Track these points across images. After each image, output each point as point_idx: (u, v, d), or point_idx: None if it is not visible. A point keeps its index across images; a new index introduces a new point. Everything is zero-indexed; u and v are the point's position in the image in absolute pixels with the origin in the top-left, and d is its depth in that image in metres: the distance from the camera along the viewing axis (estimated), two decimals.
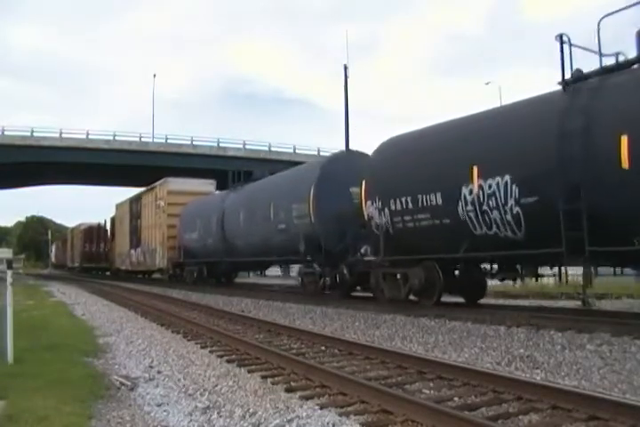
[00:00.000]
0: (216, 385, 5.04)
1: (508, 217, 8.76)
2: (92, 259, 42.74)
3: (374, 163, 12.19)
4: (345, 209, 13.27)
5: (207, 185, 25.48)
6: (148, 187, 27.55)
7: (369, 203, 11.79)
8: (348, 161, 14.32)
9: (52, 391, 4.68)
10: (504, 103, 11.01)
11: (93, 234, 43.58)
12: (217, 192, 23.24)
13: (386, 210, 11.14)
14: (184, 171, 36.60)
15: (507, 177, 8.74)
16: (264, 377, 5.25)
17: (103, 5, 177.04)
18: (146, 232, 27.27)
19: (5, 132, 41.36)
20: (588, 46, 9.39)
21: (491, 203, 9.00)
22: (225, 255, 19.33)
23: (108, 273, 41.96)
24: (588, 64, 8.54)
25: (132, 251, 29.87)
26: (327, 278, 13.59)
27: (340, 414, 3.95)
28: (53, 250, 67.52)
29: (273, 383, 5.01)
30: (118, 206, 34.84)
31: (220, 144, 45.09)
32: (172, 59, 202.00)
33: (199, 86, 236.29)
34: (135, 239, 29.32)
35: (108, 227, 42.02)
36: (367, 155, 13.62)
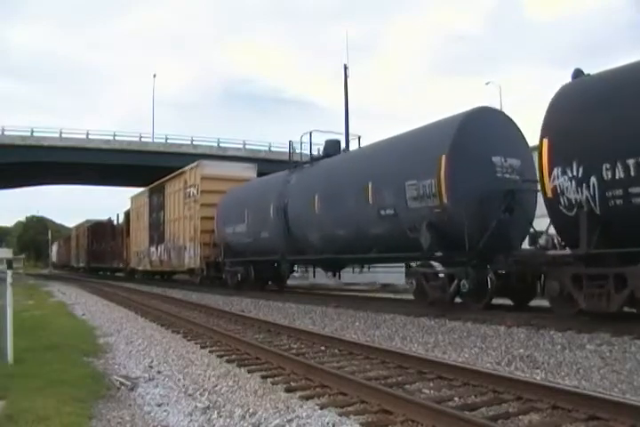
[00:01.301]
0: (216, 385, 5.04)
1: None
2: (101, 258, 38.85)
3: (564, 112, 8.47)
4: (488, 186, 9.86)
5: (248, 170, 21.49)
6: (174, 173, 23.32)
7: (556, 171, 8.23)
8: (486, 121, 10.56)
9: (52, 391, 4.68)
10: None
11: (102, 231, 39.30)
12: (274, 174, 17.57)
13: (592, 180, 7.69)
14: None
15: None
16: (264, 377, 5.26)
17: (103, 5, 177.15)
18: (171, 227, 23.18)
19: (5, 132, 41.32)
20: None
21: None
22: (288, 252, 15.36)
23: (118, 274, 37.54)
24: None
25: (153, 249, 25.71)
26: (464, 282, 9.77)
27: (340, 414, 3.95)
28: (55, 249, 65.65)
29: (273, 383, 5.01)
30: (134, 199, 30.74)
31: (220, 144, 45.07)
32: (171, 59, 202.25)
33: (199, 86, 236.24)
34: (156, 235, 25.21)
35: (121, 222, 37.06)
36: (505, 113, 10.95)
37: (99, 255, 39.43)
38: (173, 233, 22.86)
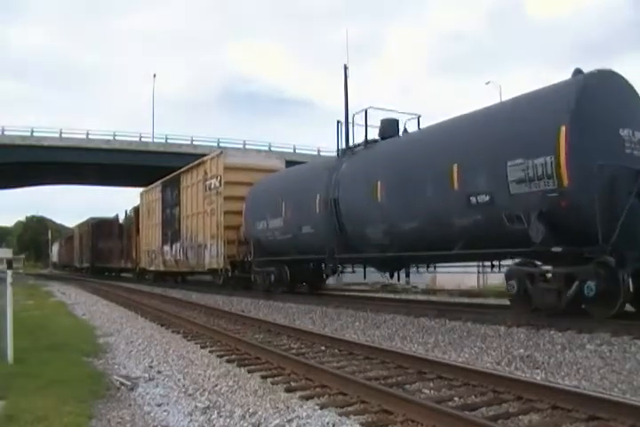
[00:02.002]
0: (216, 385, 5.04)
1: None
2: (107, 258, 36.57)
3: None
4: (617, 165, 7.95)
5: (274, 159, 19.78)
6: (191, 164, 21.13)
7: None
8: (609, 85, 8.62)
9: (52, 391, 4.68)
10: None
11: (108, 229, 37.05)
12: (318, 161, 15.67)
13: None
14: None
15: None
16: (264, 377, 5.26)
17: (103, 5, 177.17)
18: (188, 223, 20.84)
19: (5, 132, 41.36)
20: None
21: None
22: (338, 250, 12.91)
23: (125, 275, 35.47)
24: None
25: (166, 248, 23.33)
26: (590, 284, 7.69)
27: (340, 414, 3.95)
28: (56, 249, 64.15)
29: (273, 383, 5.02)
30: (144, 194, 28.07)
31: (220, 144, 45.03)
32: (171, 59, 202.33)
33: (199, 86, 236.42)
34: (171, 233, 22.85)
35: (124, 220, 36.27)
36: (626, 79, 8.87)
37: (104, 255, 37.28)
38: (191, 230, 20.49)
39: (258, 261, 16.21)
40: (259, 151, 21.24)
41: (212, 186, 18.45)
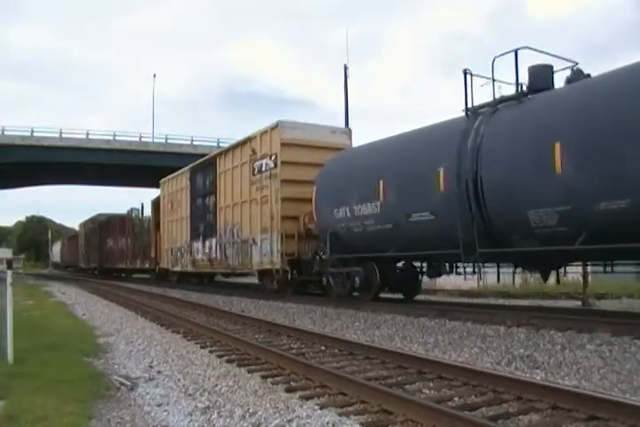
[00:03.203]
0: (216, 385, 5.04)
1: None
2: (117, 258, 33.46)
3: None
4: None
5: (341, 135, 15.68)
6: (232, 144, 18.03)
7: None
8: None
9: (52, 391, 4.68)
10: None
11: (120, 226, 33.82)
12: (431, 125, 11.14)
13: None
14: None
15: None
16: (264, 377, 5.26)
17: (103, 5, 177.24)
18: (228, 215, 17.34)
19: (5, 132, 41.36)
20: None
21: None
22: (481, 242, 9.16)
23: (139, 276, 32.71)
24: None
25: (197, 245, 19.93)
26: None
27: (340, 414, 3.95)
28: (58, 249, 62.35)
29: (273, 383, 5.02)
30: (166, 184, 24.14)
31: (220, 144, 45.03)
32: (171, 59, 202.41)
33: (199, 86, 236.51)
34: (203, 227, 19.40)
35: (134, 215, 33.25)
36: None
37: (114, 255, 34.04)
38: (232, 223, 17.03)
39: (335, 258, 12.58)
40: (320, 125, 15.72)
41: (264, 167, 15.11)
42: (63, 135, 42.53)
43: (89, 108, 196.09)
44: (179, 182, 22.48)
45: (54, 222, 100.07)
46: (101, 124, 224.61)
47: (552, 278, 9.87)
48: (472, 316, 9.00)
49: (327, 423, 3.77)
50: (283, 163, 14.44)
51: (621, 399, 3.86)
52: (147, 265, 27.76)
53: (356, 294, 12.43)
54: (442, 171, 9.78)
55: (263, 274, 15.69)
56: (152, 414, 4.37)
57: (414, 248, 10.80)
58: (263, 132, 15.45)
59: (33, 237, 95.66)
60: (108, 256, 35.53)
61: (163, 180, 24.64)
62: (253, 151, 15.80)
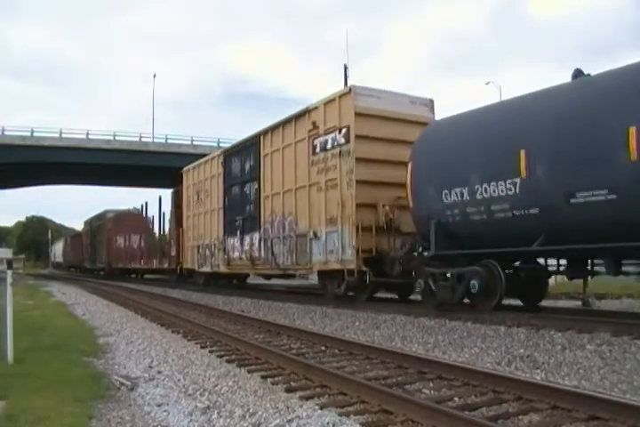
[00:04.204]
0: (216, 385, 5.04)
1: None
2: (128, 258, 31.11)
3: None
4: None
5: (422, 107, 12.80)
6: (281, 119, 14.64)
7: None
8: None
9: (52, 391, 4.68)
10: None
11: (130, 223, 31.99)
12: (604, 73, 8.32)
13: None
14: None
15: None
16: (264, 377, 5.25)
17: (103, 5, 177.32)
18: (276, 204, 14.65)
19: (5, 132, 41.39)
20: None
21: None
22: None
23: (150, 276, 30.75)
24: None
25: (233, 241, 17.08)
26: None
27: (340, 414, 3.94)
28: (60, 248, 60.84)
29: (273, 383, 5.01)
30: (191, 172, 21.23)
31: (220, 144, 45.07)
32: (171, 59, 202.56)
33: (199, 86, 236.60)
34: (242, 220, 16.50)
35: (162, 209, 30.16)
36: None
37: (126, 254, 31.58)
38: (282, 214, 14.36)
39: (442, 256, 9.97)
40: (398, 92, 12.96)
41: (330, 144, 12.41)
42: (63, 135, 42.55)
43: (89, 108, 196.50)
44: (208, 169, 19.27)
45: (54, 222, 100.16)
46: (101, 125, 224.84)
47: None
48: (472, 316, 9.00)
49: (327, 423, 3.77)
50: (358, 137, 11.72)
51: (621, 399, 3.87)
52: (165, 265, 24.62)
53: (467, 301, 9.87)
54: (634, 131, 7.12)
55: (326, 276, 12.99)
56: (152, 415, 4.37)
57: (575, 240, 7.91)
58: (329, 101, 12.60)
59: (33, 237, 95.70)
60: (117, 256, 33.11)
61: (186, 168, 21.73)
62: (314, 125, 12.97)
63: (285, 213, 14.25)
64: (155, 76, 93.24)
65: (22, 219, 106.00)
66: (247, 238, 16.22)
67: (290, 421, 3.86)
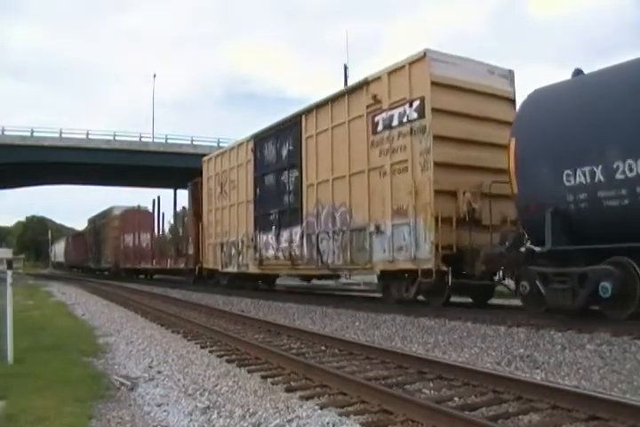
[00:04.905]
0: (216, 385, 5.04)
1: None
2: (139, 257, 29.53)
3: None
4: None
5: (500, 79, 11.02)
6: (328, 96, 12.85)
7: None
8: None
9: (52, 391, 4.68)
10: None
11: (139, 221, 30.00)
12: None
13: None
14: (184, 171, 36.61)
15: None
16: (264, 377, 5.26)
17: (103, 5, 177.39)
18: (326, 193, 12.72)
19: (5, 132, 41.36)
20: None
21: None
22: None
23: (160, 277, 29.43)
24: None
25: (267, 237, 15.16)
26: None
27: (340, 414, 3.95)
28: (61, 248, 60.19)
29: (273, 383, 5.01)
30: (211, 161, 19.24)
31: (220, 144, 45.07)
32: (171, 59, 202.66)
33: (199, 86, 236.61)
34: (279, 213, 14.63)
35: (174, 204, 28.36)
36: None
37: (135, 253, 30.01)
38: (331, 205, 12.49)
39: (557, 253, 8.05)
40: (475, 60, 10.97)
41: (397, 120, 10.63)
42: (63, 135, 42.53)
43: (89, 108, 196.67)
44: (234, 157, 17.25)
45: (54, 222, 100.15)
46: (101, 125, 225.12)
47: None
48: (472, 316, 9.00)
49: (327, 423, 3.77)
50: (435, 111, 9.99)
51: (621, 399, 3.86)
52: (181, 265, 22.56)
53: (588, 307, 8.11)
54: None
55: (390, 277, 11.15)
56: (152, 415, 4.37)
57: None
58: (395, 70, 10.76)
59: (33, 237, 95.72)
60: (125, 255, 31.51)
61: (206, 157, 19.90)
62: (375, 99, 11.14)
63: (336, 203, 12.36)
64: (155, 76, 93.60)
65: (22, 219, 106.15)
66: (285, 234, 14.29)
67: (290, 421, 3.86)
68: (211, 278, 19.39)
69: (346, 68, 26.03)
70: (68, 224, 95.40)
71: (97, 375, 5.58)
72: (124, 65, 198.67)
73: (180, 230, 24.47)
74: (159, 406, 4.58)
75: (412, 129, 10.32)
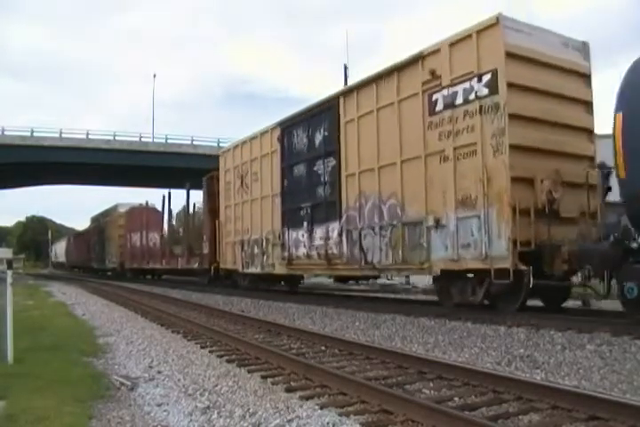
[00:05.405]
0: (216, 385, 5.04)
1: None
2: (147, 257, 28.25)
3: None
4: None
5: (573, 52, 9.86)
6: (372, 74, 11.43)
7: None
8: None
9: (52, 391, 4.68)
10: None
11: (147, 219, 28.73)
12: None
13: None
14: (184, 171, 36.60)
15: None
16: (264, 377, 5.26)
17: (103, 5, 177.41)
18: (371, 183, 11.35)
19: (5, 132, 41.37)
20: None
21: None
22: None
23: (169, 277, 28.31)
24: None
25: (298, 234, 13.83)
26: None
27: (340, 414, 3.95)
28: (62, 247, 59.40)
29: (273, 383, 5.02)
30: (229, 153, 17.93)
31: (220, 144, 45.08)
32: (171, 59, 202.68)
33: (199, 86, 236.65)
34: (311, 207, 13.32)
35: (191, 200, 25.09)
36: None
37: (142, 253, 28.86)
38: (377, 197, 11.15)
39: None
40: (549, 30, 9.65)
41: (462, 98, 9.42)
42: (63, 135, 42.53)
43: (89, 108, 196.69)
44: (256, 147, 15.94)
45: (54, 222, 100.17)
46: (101, 125, 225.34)
47: None
48: (472, 316, 9.00)
49: (327, 423, 3.77)
50: (510, 86, 8.80)
51: (621, 399, 3.87)
52: (195, 265, 21.25)
53: None
54: None
55: (451, 278, 9.77)
56: (152, 415, 4.37)
57: None
58: (459, 40, 9.55)
59: (33, 237, 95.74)
60: (132, 255, 30.28)
61: (224, 149, 18.77)
62: (432, 75, 9.92)
63: (383, 194, 11.00)
64: (155, 76, 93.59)
65: (22, 219, 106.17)
66: (319, 231, 12.96)
67: (290, 421, 3.86)
68: (227, 279, 18.27)
69: (346, 68, 26.04)
70: (68, 224, 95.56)
71: (97, 375, 5.58)
72: (124, 65, 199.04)
73: (193, 228, 23.58)
74: (159, 406, 4.58)
75: (481, 107, 9.06)
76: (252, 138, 16.33)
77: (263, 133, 15.64)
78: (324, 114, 12.96)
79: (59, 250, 64.25)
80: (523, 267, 8.37)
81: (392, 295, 15.68)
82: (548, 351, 6.19)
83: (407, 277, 11.82)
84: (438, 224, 9.65)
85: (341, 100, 12.35)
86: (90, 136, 43.40)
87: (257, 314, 10.90)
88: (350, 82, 17.85)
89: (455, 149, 9.46)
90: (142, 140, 44.67)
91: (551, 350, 6.24)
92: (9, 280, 6.24)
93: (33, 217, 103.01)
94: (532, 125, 9.03)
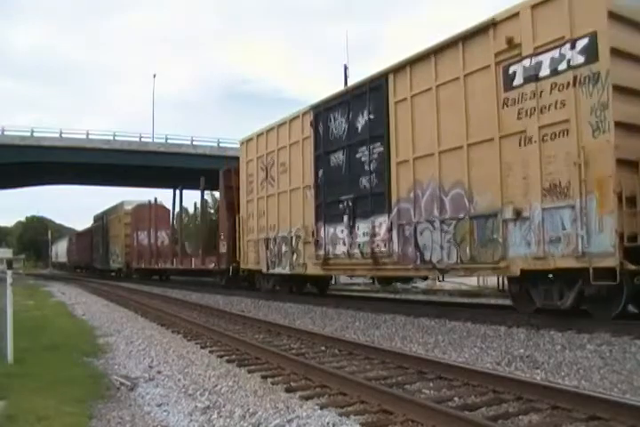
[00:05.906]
0: (216, 385, 5.04)
1: None
2: (155, 257, 26.78)
3: None
4: None
5: None
6: (432, 46, 9.84)
7: None
8: None
9: (52, 391, 4.68)
10: None
11: (156, 217, 27.40)
12: None
13: None
14: (184, 171, 36.57)
15: None
16: (264, 377, 5.26)
17: (103, 5, 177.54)
18: (428, 171, 9.91)
19: (5, 132, 41.33)
20: None
21: None
22: None
23: (178, 278, 26.96)
24: None
25: (335, 230, 12.33)
26: None
27: (340, 414, 3.95)
28: (63, 247, 58.62)
29: (273, 383, 5.02)
30: (251, 142, 16.19)
31: (220, 144, 45.04)
32: (171, 59, 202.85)
33: (199, 86, 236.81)
34: (352, 200, 11.78)
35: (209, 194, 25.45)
36: None
37: (151, 252, 27.52)
38: (437, 186, 9.66)
39: None
40: None
41: (549, 69, 8.00)
42: (63, 135, 42.48)
43: (89, 108, 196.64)
44: (285, 134, 14.33)
45: (54, 222, 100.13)
46: (101, 125, 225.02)
47: None
48: (472, 316, 9.00)
49: (327, 423, 3.77)
50: (614, 52, 7.39)
51: (621, 399, 3.87)
52: (211, 265, 19.67)
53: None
54: None
55: (532, 279, 8.39)
56: (152, 415, 4.37)
57: None
58: (545, 0, 8.07)
59: (33, 237, 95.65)
60: (139, 255, 28.78)
61: (245, 137, 16.64)
62: (510, 43, 8.50)
63: (445, 183, 9.58)
64: (155, 76, 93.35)
65: (22, 219, 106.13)
66: (363, 226, 11.48)
67: (290, 421, 3.86)
68: (246, 281, 16.94)
69: (346, 68, 25.97)
70: (68, 224, 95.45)
71: (97, 375, 5.58)
72: (124, 65, 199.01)
73: (209, 226, 22.20)
74: (159, 406, 4.59)
75: (575, 78, 7.65)
76: (280, 124, 14.59)
77: (293, 119, 13.98)
78: (369, 94, 11.36)
79: (60, 250, 63.80)
80: (631, 266, 7.00)
81: (392, 295, 15.69)
82: (547, 351, 6.19)
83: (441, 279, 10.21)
84: (519, 216, 8.27)
85: (390, 78, 10.82)
86: (90, 136, 43.35)
87: (257, 314, 10.91)
88: (350, 82, 16.84)
89: (540, 128, 8.06)
90: (142, 140, 44.61)
91: (551, 350, 6.24)
92: (9, 280, 6.24)
93: (33, 217, 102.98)
94: (639, 100, 7.63)
